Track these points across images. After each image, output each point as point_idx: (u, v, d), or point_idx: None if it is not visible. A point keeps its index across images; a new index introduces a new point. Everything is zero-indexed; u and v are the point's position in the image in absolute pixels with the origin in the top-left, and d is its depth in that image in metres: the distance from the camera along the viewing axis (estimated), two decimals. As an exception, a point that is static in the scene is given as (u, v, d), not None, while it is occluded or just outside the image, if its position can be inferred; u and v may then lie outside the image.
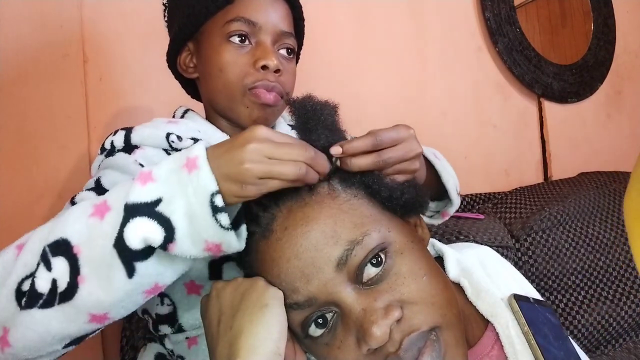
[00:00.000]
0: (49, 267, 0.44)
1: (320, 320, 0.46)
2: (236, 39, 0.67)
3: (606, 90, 1.87)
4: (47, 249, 0.44)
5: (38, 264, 0.44)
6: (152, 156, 0.64)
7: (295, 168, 0.44)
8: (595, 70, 1.82)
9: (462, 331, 0.47)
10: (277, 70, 0.67)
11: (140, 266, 0.45)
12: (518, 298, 0.54)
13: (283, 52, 0.71)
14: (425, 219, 0.81)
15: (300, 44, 0.79)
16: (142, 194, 0.44)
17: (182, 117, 0.74)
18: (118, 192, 0.46)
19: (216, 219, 0.44)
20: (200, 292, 0.64)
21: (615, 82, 1.90)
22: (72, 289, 0.44)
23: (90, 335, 0.49)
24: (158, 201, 0.44)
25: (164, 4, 0.77)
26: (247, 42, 0.68)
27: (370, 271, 0.45)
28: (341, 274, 0.45)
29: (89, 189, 0.60)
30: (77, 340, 0.48)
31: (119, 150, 0.64)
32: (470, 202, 1.41)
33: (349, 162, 0.49)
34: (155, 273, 0.46)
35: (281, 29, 0.69)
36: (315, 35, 1.31)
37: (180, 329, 0.64)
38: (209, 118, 0.75)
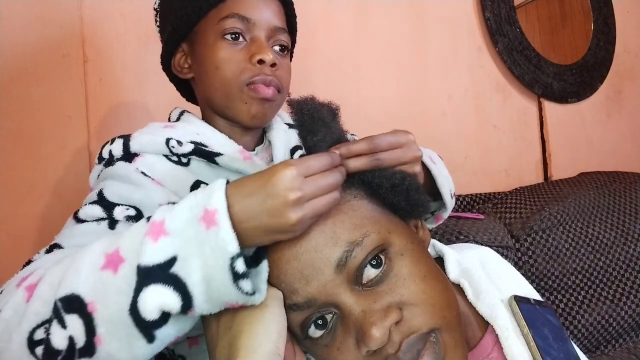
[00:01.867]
0: (63, 325, 0.41)
1: (319, 322, 0.46)
2: (231, 36, 0.67)
3: (606, 90, 1.87)
4: (58, 303, 0.42)
5: (51, 319, 0.42)
6: (153, 163, 0.63)
7: (334, 197, 0.44)
8: (595, 70, 1.82)
9: (462, 333, 0.47)
10: (273, 65, 0.67)
11: (159, 332, 0.43)
12: (518, 299, 0.54)
13: (277, 49, 0.71)
14: None
15: (293, 41, 0.78)
16: (155, 254, 0.41)
17: (178, 119, 0.74)
18: (132, 239, 0.43)
19: (238, 286, 0.41)
20: None
21: (615, 82, 1.90)
22: (90, 348, 0.42)
23: None
24: (173, 260, 0.41)
25: (155, 9, 0.77)
26: (241, 38, 0.68)
27: (370, 272, 0.45)
28: (341, 275, 0.44)
29: (92, 203, 0.58)
30: None
31: (118, 159, 0.63)
32: (470, 202, 1.41)
33: (345, 164, 0.49)
34: (175, 332, 0.45)
35: (275, 24, 0.69)
36: (316, 35, 1.31)
37: (181, 330, 0.64)
38: (205, 119, 0.74)
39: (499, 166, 1.61)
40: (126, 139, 0.64)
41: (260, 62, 0.66)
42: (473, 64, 1.58)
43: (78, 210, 0.58)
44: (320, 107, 0.52)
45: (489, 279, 0.58)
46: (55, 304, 0.42)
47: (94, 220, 0.56)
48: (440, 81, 1.51)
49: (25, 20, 0.94)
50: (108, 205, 0.57)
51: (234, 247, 0.41)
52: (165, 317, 0.42)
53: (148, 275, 0.41)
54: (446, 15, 1.53)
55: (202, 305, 0.42)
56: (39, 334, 0.42)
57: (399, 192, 0.50)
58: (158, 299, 0.41)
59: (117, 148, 0.63)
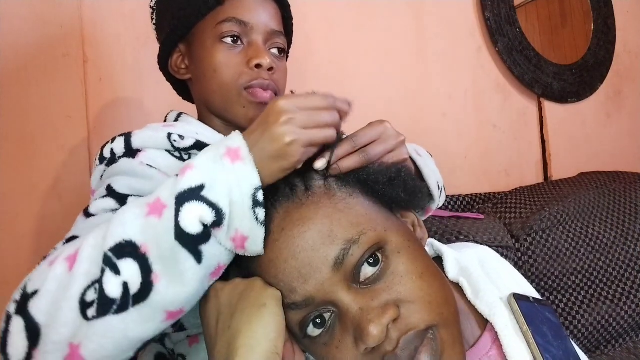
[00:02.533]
0: (116, 271, 0.42)
1: (318, 320, 0.46)
2: (228, 40, 0.68)
3: (606, 90, 1.87)
4: (109, 253, 0.43)
5: (103, 271, 0.43)
6: (155, 157, 0.63)
7: (329, 132, 0.48)
8: (595, 70, 1.82)
9: (460, 330, 0.47)
10: (270, 69, 0.68)
11: (205, 249, 0.45)
12: (518, 297, 0.54)
13: (274, 51, 0.72)
14: None
15: (289, 43, 0.79)
16: (184, 182, 0.44)
17: (176, 120, 0.74)
18: (168, 188, 0.46)
19: (254, 212, 0.45)
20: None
21: (615, 82, 1.90)
22: (146, 289, 0.43)
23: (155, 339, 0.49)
24: (201, 187, 0.44)
25: (151, 7, 0.77)
26: (239, 42, 0.68)
27: (367, 271, 0.45)
28: (338, 273, 0.45)
29: (103, 197, 0.58)
30: (146, 344, 0.47)
31: (120, 157, 0.63)
32: (470, 202, 1.41)
33: (337, 167, 0.50)
34: (218, 253, 0.46)
35: (272, 28, 0.70)
36: (315, 35, 1.31)
37: (181, 328, 0.64)
38: (202, 119, 0.75)
39: (499, 166, 1.61)
40: (127, 136, 0.64)
41: (258, 66, 0.67)
42: (473, 64, 1.58)
43: (88, 206, 0.57)
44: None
45: (488, 277, 0.58)
46: (105, 255, 0.43)
47: (106, 212, 0.56)
48: (440, 81, 1.51)
49: (25, 20, 0.95)
50: (120, 197, 0.57)
51: (257, 179, 0.45)
52: (206, 232, 0.44)
53: (182, 198, 0.44)
54: (446, 15, 1.53)
55: (227, 226, 0.45)
56: (90, 295, 0.42)
57: (396, 185, 0.50)
58: (195, 212, 0.43)
59: (118, 146, 0.63)
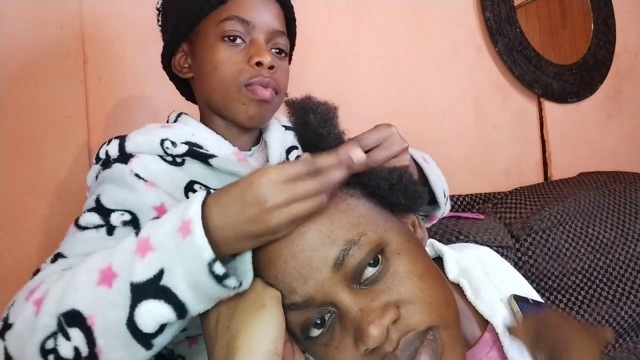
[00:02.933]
0: (67, 337, 0.45)
1: (318, 321, 0.46)
2: (230, 38, 0.68)
3: (606, 90, 1.87)
4: (61, 318, 0.45)
5: (57, 331, 0.45)
6: (148, 163, 0.64)
7: (316, 202, 0.44)
8: (595, 70, 1.82)
9: (460, 331, 0.47)
10: (271, 67, 0.68)
11: (156, 340, 0.46)
12: (518, 299, 0.54)
13: (275, 52, 0.72)
14: None
15: (292, 44, 0.79)
16: (144, 270, 0.44)
17: (176, 121, 0.74)
18: (123, 255, 0.46)
19: (223, 285, 0.43)
20: None
21: (615, 82, 1.90)
22: (93, 358, 0.45)
23: None
24: (161, 273, 0.43)
25: (157, 9, 0.78)
26: (240, 40, 0.69)
27: (367, 271, 0.45)
28: (338, 274, 0.44)
29: (90, 209, 0.59)
30: None
31: (114, 160, 0.64)
32: (470, 202, 1.41)
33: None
34: (171, 334, 0.48)
35: (274, 27, 0.70)
36: (315, 35, 1.31)
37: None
38: (203, 119, 0.75)
39: (499, 166, 1.61)
40: (122, 139, 0.65)
41: (259, 64, 0.67)
42: (473, 64, 1.58)
43: (79, 217, 0.59)
44: (317, 106, 0.52)
45: (488, 278, 0.58)
46: (58, 318, 0.45)
47: (93, 228, 0.58)
48: (440, 81, 1.51)
49: (25, 20, 0.95)
50: (105, 212, 0.59)
51: (208, 253, 0.42)
52: (162, 328, 0.45)
53: (141, 291, 0.43)
54: (446, 15, 1.53)
55: (196, 307, 0.45)
56: (50, 344, 0.45)
57: (397, 191, 0.50)
58: (154, 313, 0.44)
59: (113, 149, 0.64)
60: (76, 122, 0.99)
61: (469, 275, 0.57)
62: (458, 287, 0.56)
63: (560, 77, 1.71)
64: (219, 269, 0.43)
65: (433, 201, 0.77)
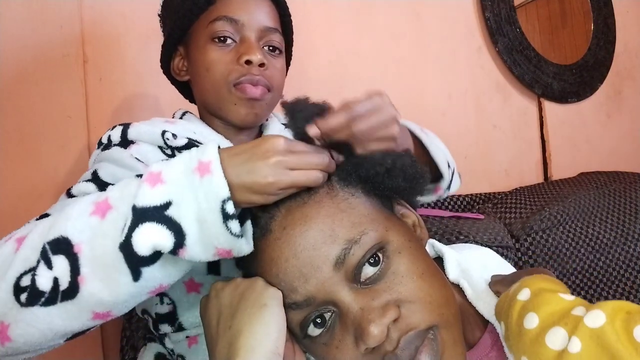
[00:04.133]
0: (49, 266, 0.44)
1: (318, 320, 0.46)
2: (220, 38, 0.68)
3: (606, 90, 1.87)
4: (47, 246, 0.44)
5: (38, 261, 0.44)
6: (147, 152, 0.65)
7: (316, 176, 0.46)
8: (595, 70, 1.82)
9: (460, 330, 0.47)
10: (261, 65, 0.68)
11: (146, 270, 0.45)
12: None
13: (268, 49, 0.71)
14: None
15: (289, 41, 0.79)
16: (151, 197, 0.44)
17: (181, 118, 0.75)
18: (122, 190, 0.46)
19: (227, 227, 0.44)
20: (200, 290, 0.64)
21: (615, 82, 1.90)
22: (73, 288, 0.44)
23: (92, 329, 0.49)
24: (168, 204, 0.44)
25: (159, 15, 0.78)
26: (230, 40, 0.69)
27: (368, 270, 0.45)
28: (339, 273, 0.45)
29: (86, 180, 0.60)
30: (79, 334, 0.48)
31: (115, 145, 0.65)
32: (470, 202, 1.41)
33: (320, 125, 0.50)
34: (161, 276, 0.46)
35: (265, 25, 0.70)
36: (315, 35, 1.31)
37: (180, 328, 0.64)
38: (203, 119, 0.76)
39: (499, 166, 1.61)
40: (125, 126, 0.66)
41: (248, 62, 0.67)
42: (473, 64, 1.58)
43: (71, 187, 0.59)
44: (307, 105, 0.53)
45: (489, 279, 0.57)
46: (43, 246, 0.44)
47: (86, 195, 0.57)
48: (440, 81, 1.51)
49: (25, 20, 0.94)
50: (102, 184, 0.59)
51: (225, 191, 0.44)
52: (155, 256, 0.44)
53: (144, 215, 0.43)
54: (446, 15, 1.53)
55: (193, 245, 0.44)
56: (25, 281, 0.44)
57: (395, 175, 0.50)
58: (152, 236, 0.43)
59: (115, 134, 0.66)
60: (76, 122, 0.99)
61: (469, 275, 0.57)
62: (458, 288, 0.56)
63: (560, 77, 1.71)
64: (230, 207, 0.43)
65: (436, 174, 0.76)
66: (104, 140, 0.66)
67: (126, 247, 0.43)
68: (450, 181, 0.82)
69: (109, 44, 1.04)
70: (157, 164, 0.47)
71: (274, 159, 0.45)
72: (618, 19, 1.88)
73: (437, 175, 0.79)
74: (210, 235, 0.44)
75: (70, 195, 0.59)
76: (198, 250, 0.45)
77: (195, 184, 0.44)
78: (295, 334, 0.48)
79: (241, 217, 0.48)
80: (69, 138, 0.98)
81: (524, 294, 0.45)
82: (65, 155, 0.97)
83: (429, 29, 1.50)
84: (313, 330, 0.46)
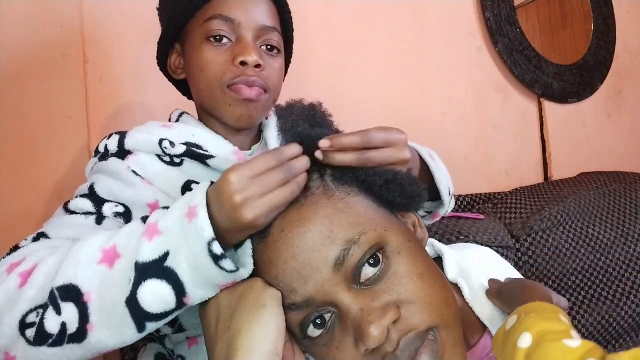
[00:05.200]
0: (58, 311, 0.45)
1: (318, 321, 0.46)
2: (216, 38, 0.66)
3: (606, 90, 1.87)
4: (55, 292, 0.45)
5: (46, 305, 0.45)
6: (144, 162, 0.64)
7: (288, 191, 0.46)
8: (595, 70, 1.82)
9: (460, 331, 0.46)
10: (257, 65, 0.66)
11: (150, 325, 0.47)
12: None
13: (265, 49, 0.69)
14: None
15: (289, 38, 0.76)
16: (150, 251, 0.45)
17: (177, 120, 0.74)
18: (128, 237, 0.47)
19: (220, 267, 0.45)
20: None
21: (615, 82, 1.90)
22: (81, 335, 0.45)
23: None
24: (166, 255, 0.45)
25: (157, 9, 0.77)
26: (225, 39, 0.67)
27: (368, 271, 0.45)
28: (338, 274, 0.44)
29: (83, 195, 0.60)
30: None
31: (112, 155, 0.64)
32: (470, 202, 1.41)
33: (331, 155, 0.50)
34: (162, 323, 0.48)
35: (262, 23, 0.68)
36: (315, 35, 1.31)
37: (180, 329, 0.64)
38: (201, 119, 0.75)
39: (499, 166, 1.60)
40: (122, 135, 0.65)
41: (243, 63, 0.65)
42: (473, 64, 1.58)
43: (69, 201, 0.60)
44: (304, 108, 0.53)
45: (488, 278, 0.57)
46: (51, 291, 0.45)
47: (82, 213, 0.58)
48: (440, 81, 1.51)
49: (25, 20, 0.94)
50: (98, 201, 0.60)
51: (208, 232, 0.44)
52: (164, 314, 0.46)
53: (145, 271, 0.45)
54: (446, 15, 1.53)
55: (194, 290, 0.46)
56: (31, 318, 0.45)
57: (393, 189, 0.50)
58: (156, 292, 0.45)
59: (112, 144, 0.65)
60: (76, 122, 0.99)
61: (467, 275, 0.57)
62: (457, 287, 0.56)
63: (560, 77, 1.71)
64: (217, 248, 0.44)
65: (437, 198, 0.76)
66: (101, 149, 0.65)
67: (132, 302, 0.45)
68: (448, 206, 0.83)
69: (109, 44, 1.04)
70: (155, 214, 0.48)
71: (239, 200, 0.44)
72: (618, 19, 1.88)
73: (436, 201, 0.78)
74: (209, 277, 0.46)
75: (67, 209, 0.59)
76: (200, 293, 0.47)
77: (185, 230, 0.45)
78: (295, 335, 0.48)
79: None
80: (69, 138, 0.98)
81: (525, 340, 0.42)
82: (65, 155, 0.97)
83: (429, 29, 1.50)
84: (313, 331, 0.46)
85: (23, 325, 0.45)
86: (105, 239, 0.48)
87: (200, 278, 0.45)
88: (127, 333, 0.46)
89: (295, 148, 0.49)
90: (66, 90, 0.98)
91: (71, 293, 0.45)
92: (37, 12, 0.96)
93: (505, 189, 1.47)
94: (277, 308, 0.45)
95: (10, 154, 0.92)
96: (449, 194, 0.77)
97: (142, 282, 0.45)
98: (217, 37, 0.66)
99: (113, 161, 0.63)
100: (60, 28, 0.98)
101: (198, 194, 0.46)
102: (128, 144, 0.64)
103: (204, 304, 0.51)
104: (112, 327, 0.45)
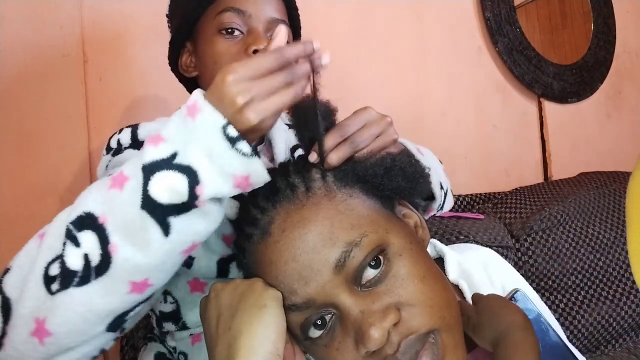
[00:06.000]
0: (76, 244, 0.43)
1: (318, 322, 0.46)
2: (227, 30, 0.68)
3: (606, 90, 1.87)
4: (70, 226, 0.44)
5: (64, 244, 0.43)
6: None
7: (292, 93, 0.45)
8: (595, 70, 1.82)
9: (461, 333, 0.46)
10: None
11: (174, 221, 0.43)
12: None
13: None
14: None
15: (298, 35, 0.79)
16: (156, 153, 0.43)
17: None
18: (133, 162, 0.46)
19: (237, 149, 0.43)
20: (204, 290, 0.64)
21: (615, 82, 1.90)
22: (106, 260, 0.43)
23: (132, 313, 0.48)
24: (174, 155, 0.43)
25: (167, 16, 0.79)
26: (237, 32, 0.69)
27: (369, 273, 0.45)
28: (339, 276, 0.44)
29: None
30: (120, 320, 0.47)
31: (126, 147, 0.65)
32: (470, 202, 1.41)
33: (327, 160, 0.50)
34: (191, 229, 0.45)
35: (272, 16, 0.70)
36: (316, 35, 1.31)
37: (184, 327, 0.65)
38: None
39: (499, 166, 1.61)
40: (134, 127, 0.66)
41: (256, 52, 0.67)
42: (473, 64, 1.58)
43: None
44: (317, 104, 0.52)
45: (489, 280, 0.57)
46: (67, 228, 0.44)
47: None
48: (440, 81, 1.51)
49: (25, 20, 0.94)
50: None
51: (220, 119, 0.42)
52: (179, 208, 0.43)
53: (153, 168, 0.43)
54: (446, 16, 1.53)
55: (208, 180, 0.43)
56: (54, 269, 0.43)
57: (395, 175, 0.50)
58: (166, 181, 0.42)
59: (125, 137, 0.65)
60: (76, 122, 0.99)
61: (469, 276, 0.56)
62: (458, 289, 0.56)
63: (560, 77, 1.71)
64: (232, 131, 0.42)
65: (429, 196, 0.77)
66: (113, 145, 0.66)
67: (147, 201, 0.42)
68: (444, 202, 0.82)
69: (109, 44, 1.04)
70: (156, 128, 0.48)
71: (242, 102, 0.42)
72: (618, 19, 1.88)
73: (429, 196, 0.78)
74: (223, 165, 0.43)
75: None
76: (215, 183, 0.43)
77: (191, 127, 0.43)
78: (296, 336, 0.48)
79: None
80: (69, 138, 0.98)
81: None
82: (65, 155, 0.97)
83: (429, 29, 1.50)
84: (313, 332, 0.46)
85: (48, 279, 0.43)
86: (112, 174, 0.47)
87: (216, 165, 0.43)
88: (153, 239, 0.43)
89: (298, 48, 0.47)
90: (66, 90, 0.98)
91: (86, 221, 0.44)
92: (37, 12, 0.96)
93: (505, 189, 1.47)
94: (278, 309, 0.45)
95: (10, 154, 0.92)
96: (442, 188, 0.77)
97: (152, 177, 0.42)
98: (229, 30, 0.68)
99: (129, 152, 0.64)
100: (60, 28, 0.98)
101: (193, 94, 0.45)
102: (142, 134, 0.65)
103: (204, 304, 0.51)
104: (137, 241, 0.43)
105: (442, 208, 0.82)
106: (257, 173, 0.44)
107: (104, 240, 0.43)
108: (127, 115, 1.05)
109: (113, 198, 0.44)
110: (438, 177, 0.77)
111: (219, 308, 0.48)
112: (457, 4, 1.55)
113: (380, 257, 0.45)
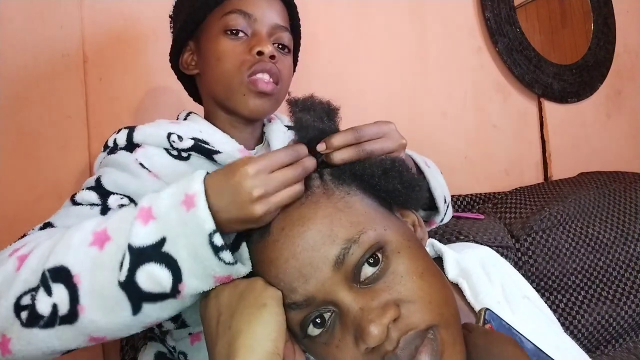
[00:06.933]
0: (49, 292, 0.45)
1: (318, 320, 0.46)
2: (233, 31, 0.70)
3: (606, 90, 1.87)
4: (47, 273, 0.46)
5: (38, 287, 0.45)
6: (153, 155, 0.65)
7: (297, 190, 0.47)
8: (595, 70, 1.82)
9: (460, 330, 0.47)
10: (272, 57, 0.69)
11: (147, 306, 0.46)
12: (492, 315, 0.52)
13: (277, 46, 0.73)
14: None
15: (297, 44, 0.81)
16: (145, 236, 0.45)
17: (185, 119, 0.77)
18: (120, 222, 0.47)
19: (219, 258, 0.45)
20: None
21: (615, 82, 1.90)
22: (72, 316, 0.45)
23: None
24: (163, 241, 0.45)
25: (170, 17, 0.80)
26: (243, 34, 0.71)
27: (368, 270, 0.45)
28: (339, 273, 0.45)
29: (89, 188, 0.61)
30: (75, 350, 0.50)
31: (121, 148, 0.66)
32: (470, 202, 1.41)
33: (332, 156, 0.51)
34: (161, 313, 0.48)
35: (276, 22, 0.72)
36: (316, 35, 1.31)
37: (183, 325, 0.65)
38: (208, 114, 0.77)
39: (499, 166, 1.61)
40: (131, 129, 0.67)
41: (260, 53, 0.69)
42: (473, 64, 1.58)
43: (76, 193, 0.61)
44: (317, 104, 0.53)
45: (488, 279, 0.58)
46: (43, 273, 0.46)
47: (88, 205, 0.59)
48: (440, 81, 1.51)
49: (25, 20, 0.95)
50: (104, 193, 0.61)
51: (210, 225, 0.45)
52: (159, 297, 0.46)
53: (142, 255, 0.45)
54: (446, 15, 1.53)
55: (190, 279, 0.46)
56: (26, 300, 0.46)
57: (392, 177, 0.50)
58: (152, 273, 0.45)
59: (121, 137, 0.66)
60: (76, 122, 0.99)
61: (468, 275, 0.57)
62: (457, 287, 0.56)
63: (560, 77, 1.71)
64: (218, 240, 0.45)
65: (433, 206, 0.77)
66: (110, 144, 0.67)
67: (129, 285, 0.45)
68: (444, 214, 0.83)
69: (109, 44, 1.04)
70: (147, 198, 0.48)
71: (257, 194, 0.45)
72: (618, 19, 1.88)
73: (432, 208, 0.79)
74: (206, 268, 0.46)
75: (74, 202, 0.60)
76: (196, 283, 0.46)
77: (182, 219, 0.45)
78: (295, 334, 0.48)
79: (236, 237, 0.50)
80: (69, 138, 0.98)
81: None
82: (65, 155, 0.97)
83: (429, 29, 1.50)
84: (313, 330, 0.46)
85: (18, 308, 0.45)
86: (97, 223, 0.49)
87: (199, 267, 0.46)
88: (121, 314, 0.46)
89: (305, 148, 0.50)
90: (66, 90, 0.98)
91: (61, 274, 0.45)
92: (37, 12, 0.96)
93: (505, 189, 1.47)
94: (277, 308, 0.45)
95: (10, 154, 0.92)
96: (445, 202, 0.78)
97: (141, 266, 0.45)
98: (234, 31, 0.70)
99: (122, 154, 0.65)
100: (61, 28, 0.98)
101: (195, 183, 0.47)
102: (137, 137, 0.66)
103: (204, 303, 0.51)
104: (106, 309, 0.46)
105: (442, 221, 0.83)
106: (238, 273, 0.48)
107: (74, 299, 0.45)
108: (127, 116, 1.05)
109: (91, 257, 0.46)
110: (443, 191, 0.77)
111: (219, 307, 0.48)
112: (457, 4, 1.55)
113: (379, 255, 0.46)
